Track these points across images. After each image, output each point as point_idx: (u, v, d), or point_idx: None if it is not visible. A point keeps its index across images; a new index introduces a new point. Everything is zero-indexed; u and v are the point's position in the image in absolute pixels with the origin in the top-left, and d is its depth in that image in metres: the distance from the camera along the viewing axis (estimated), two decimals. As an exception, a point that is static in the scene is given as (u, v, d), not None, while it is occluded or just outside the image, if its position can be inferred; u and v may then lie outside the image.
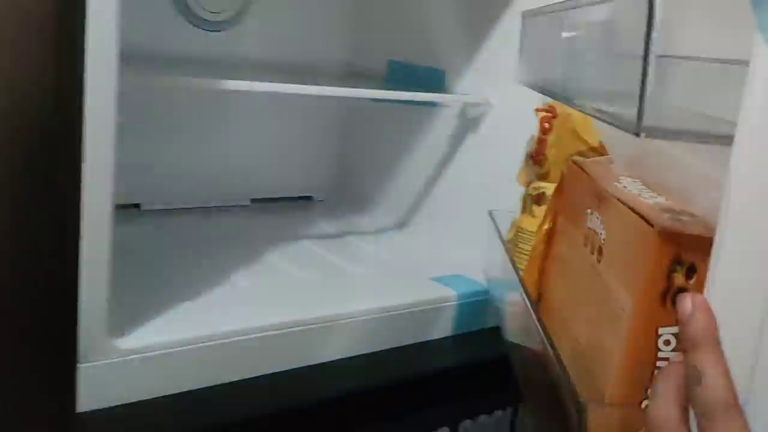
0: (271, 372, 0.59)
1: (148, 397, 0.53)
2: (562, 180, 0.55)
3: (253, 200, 0.97)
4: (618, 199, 0.43)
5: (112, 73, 0.47)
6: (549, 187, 0.60)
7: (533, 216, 0.60)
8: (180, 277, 0.67)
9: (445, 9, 0.88)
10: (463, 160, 0.87)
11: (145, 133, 0.85)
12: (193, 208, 0.92)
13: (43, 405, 0.51)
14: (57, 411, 0.50)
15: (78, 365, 0.49)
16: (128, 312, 0.55)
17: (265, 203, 0.99)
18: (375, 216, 0.97)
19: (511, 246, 0.64)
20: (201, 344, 0.55)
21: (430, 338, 0.70)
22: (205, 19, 0.88)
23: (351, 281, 0.73)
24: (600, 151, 0.58)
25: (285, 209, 0.99)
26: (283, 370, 0.60)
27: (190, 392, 0.55)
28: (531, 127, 0.72)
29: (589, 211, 0.47)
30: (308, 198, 1.04)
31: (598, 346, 0.44)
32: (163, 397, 0.53)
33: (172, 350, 0.53)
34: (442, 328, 0.71)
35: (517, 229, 0.65)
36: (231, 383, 0.57)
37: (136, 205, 0.89)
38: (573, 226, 0.51)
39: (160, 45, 0.85)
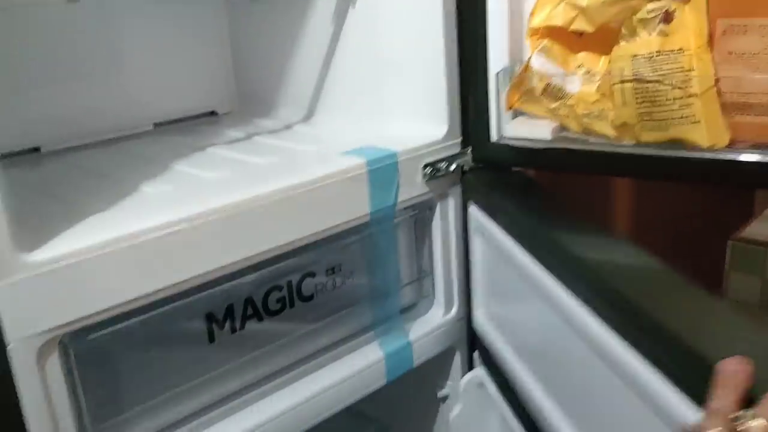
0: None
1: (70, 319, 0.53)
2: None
3: (157, 124, 0.96)
4: None
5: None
6: (671, 4, 0.58)
7: (666, 35, 0.58)
8: (87, 197, 0.66)
9: None
10: (350, 40, 0.87)
11: (37, 76, 0.83)
12: (95, 142, 0.90)
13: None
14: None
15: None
16: (36, 230, 0.55)
17: (169, 125, 0.97)
18: (280, 117, 0.98)
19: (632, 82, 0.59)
20: (116, 246, 0.55)
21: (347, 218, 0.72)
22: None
23: (261, 171, 0.74)
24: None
25: (190, 128, 0.98)
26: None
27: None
28: None
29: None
30: (212, 113, 1.03)
31: None
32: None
33: (88, 256, 0.54)
34: (359, 202, 0.73)
35: (648, 57, 0.58)
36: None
37: (36, 149, 0.87)
38: None
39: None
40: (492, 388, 0.80)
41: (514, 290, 0.70)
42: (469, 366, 0.88)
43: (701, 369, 0.41)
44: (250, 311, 0.68)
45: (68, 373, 0.55)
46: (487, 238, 0.75)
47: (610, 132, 0.63)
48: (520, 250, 0.65)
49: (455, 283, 0.86)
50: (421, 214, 0.82)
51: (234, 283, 0.65)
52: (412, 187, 0.78)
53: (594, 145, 0.65)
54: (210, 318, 0.65)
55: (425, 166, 0.78)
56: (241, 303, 0.67)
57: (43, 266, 0.51)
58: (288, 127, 0.93)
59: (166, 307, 0.61)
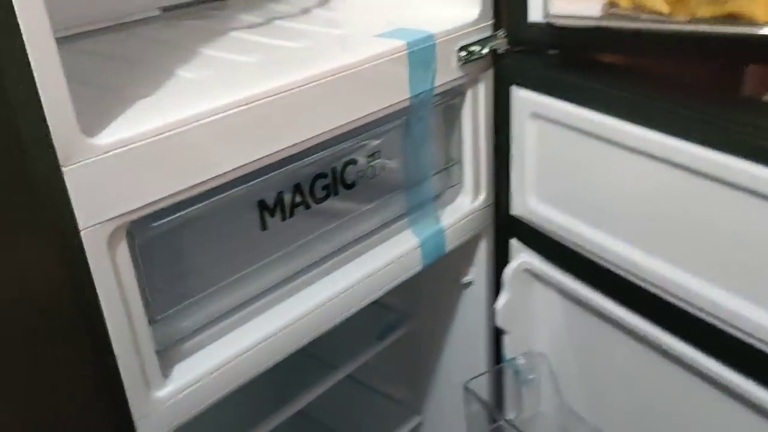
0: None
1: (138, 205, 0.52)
2: None
3: (164, 9, 0.91)
4: None
5: None
6: None
7: None
8: (125, 83, 0.63)
9: None
10: None
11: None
12: (102, 28, 0.85)
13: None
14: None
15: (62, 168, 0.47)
16: (89, 115, 0.52)
17: (176, 10, 0.92)
18: (291, 1, 0.93)
19: None
20: (178, 130, 0.53)
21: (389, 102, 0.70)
22: None
23: (298, 55, 0.71)
24: None
25: (200, 12, 0.93)
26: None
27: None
28: None
29: None
30: (221, -1, 0.97)
31: None
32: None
33: (151, 139, 0.52)
34: (400, 86, 0.71)
35: None
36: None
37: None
38: None
39: None
40: (547, 267, 0.82)
41: (602, 166, 0.70)
42: (499, 253, 0.90)
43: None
44: (298, 199, 0.67)
45: (134, 260, 0.54)
46: (550, 119, 0.74)
47: (664, 7, 0.62)
48: (621, 123, 0.66)
49: (483, 171, 0.86)
50: (450, 101, 0.81)
51: (283, 170, 0.64)
52: (448, 71, 0.76)
53: (645, 22, 0.64)
54: (262, 205, 0.64)
55: (460, 49, 0.76)
56: (290, 190, 0.66)
57: (109, 149, 0.50)
58: (305, 11, 0.89)
59: (222, 195, 0.60)
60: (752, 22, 0.59)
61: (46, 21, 0.45)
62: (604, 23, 0.66)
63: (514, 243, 0.87)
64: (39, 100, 0.45)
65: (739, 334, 0.61)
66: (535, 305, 0.87)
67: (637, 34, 0.65)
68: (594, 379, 0.85)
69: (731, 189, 0.59)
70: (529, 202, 0.81)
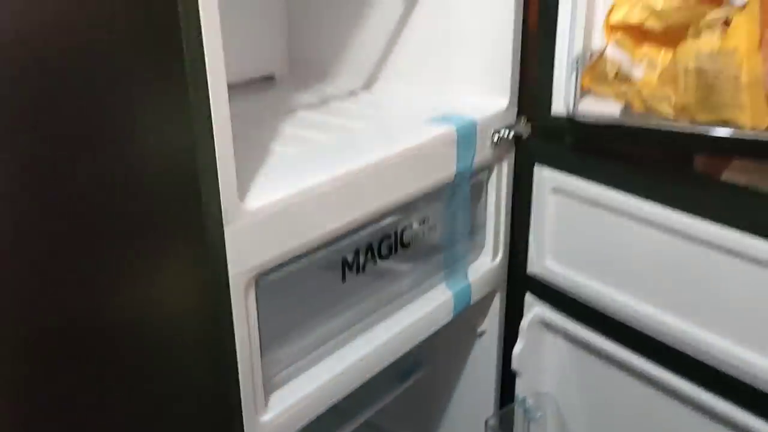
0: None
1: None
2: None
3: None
4: None
5: None
6: (730, 13, 0.74)
7: (724, 38, 0.73)
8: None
9: None
10: (419, 15, 0.98)
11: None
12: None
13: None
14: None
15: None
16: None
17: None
18: (336, 83, 1.07)
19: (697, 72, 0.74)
20: (304, 196, 0.66)
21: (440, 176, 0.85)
22: None
23: (367, 136, 0.84)
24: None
25: (253, 90, 1.05)
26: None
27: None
28: None
29: None
30: (270, 78, 1.10)
31: None
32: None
33: (285, 204, 0.64)
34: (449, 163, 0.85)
35: (710, 54, 0.73)
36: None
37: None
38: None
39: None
40: (557, 317, 0.96)
41: (615, 232, 0.85)
42: (512, 305, 1.03)
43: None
44: (369, 256, 0.80)
45: (257, 303, 0.65)
46: (570, 194, 0.89)
47: (669, 111, 0.79)
48: (628, 197, 0.83)
49: (502, 235, 1.01)
50: (480, 176, 0.96)
51: (361, 233, 0.77)
52: (484, 151, 0.91)
53: (654, 123, 0.80)
54: (344, 262, 0.76)
55: (494, 133, 0.91)
56: (364, 249, 0.79)
57: (256, 213, 0.61)
58: (353, 93, 1.03)
59: (318, 254, 0.72)
60: (738, 127, 0.76)
61: (226, 102, 0.57)
62: (622, 121, 0.82)
63: (528, 297, 1.01)
64: (216, 171, 0.57)
65: (733, 372, 0.76)
66: (544, 350, 1.01)
67: (648, 130, 0.81)
68: (596, 417, 0.98)
69: (720, 252, 0.75)
70: (546, 262, 0.96)
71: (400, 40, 1.01)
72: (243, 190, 0.63)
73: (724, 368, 0.78)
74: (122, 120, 0.52)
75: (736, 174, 0.88)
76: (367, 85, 1.05)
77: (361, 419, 1.04)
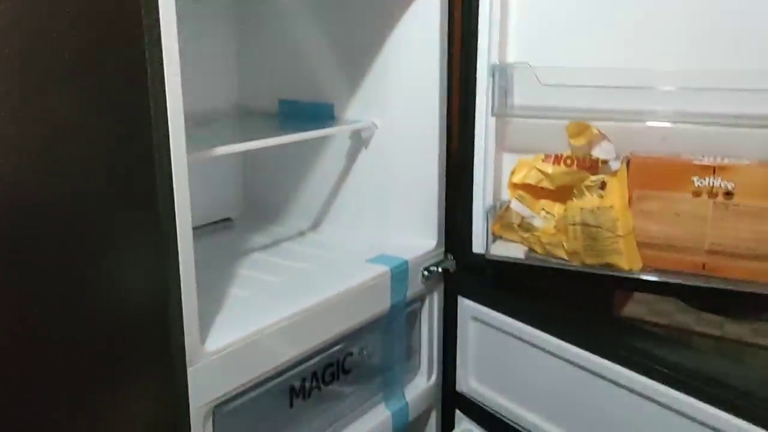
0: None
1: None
2: (633, 169, 0.89)
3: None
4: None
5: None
6: (605, 177, 0.91)
7: (601, 197, 0.90)
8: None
9: (326, 48, 1.13)
10: (359, 170, 1.14)
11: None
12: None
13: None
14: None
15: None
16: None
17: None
18: (288, 224, 1.22)
19: (580, 225, 0.91)
20: (258, 336, 0.78)
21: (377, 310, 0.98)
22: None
23: (312, 277, 0.98)
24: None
25: (213, 231, 1.19)
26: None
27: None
28: (411, 140, 1.03)
29: (696, 178, 0.85)
30: (228, 219, 1.24)
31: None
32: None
33: (241, 344, 0.76)
34: (384, 298, 0.99)
35: (591, 210, 0.90)
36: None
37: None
38: (667, 190, 0.87)
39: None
40: None
41: (521, 357, 0.98)
42: (445, 421, 1.15)
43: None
44: (314, 383, 0.91)
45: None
46: (486, 323, 1.03)
47: (564, 255, 0.95)
48: (530, 329, 0.96)
49: (435, 358, 1.13)
50: (413, 306, 1.09)
51: (308, 363, 0.89)
52: (415, 285, 1.05)
53: (553, 263, 0.96)
54: (291, 390, 0.88)
55: (424, 270, 1.06)
56: (310, 378, 0.90)
57: (214, 354, 0.73)
58: (301, 233, 1.17)
59: (268, 385, 0.83)
60: (618, 269, 0.92)
61: (193, 266, 0.70)
62: (526, 262, 0.98)
63: (458, 413, 1.13)
64: (183, 322, 0.69)
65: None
66: None
67: (545, 270, 0.96)
68: None
69: (605, 381, 0.89)
70: (470, 382, 1.08)
71: (342, 189, 1.17)
72: (204, 333, 0.75)
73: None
74: (99, 262, 0.64)
75: (635, 305, 1.04)
76: (314, 226, 1.20)
77: None
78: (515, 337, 0.99)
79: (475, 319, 1.06)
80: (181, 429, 0.71)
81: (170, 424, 0.71)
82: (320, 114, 1.14)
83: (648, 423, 0.85)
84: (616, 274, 0.92)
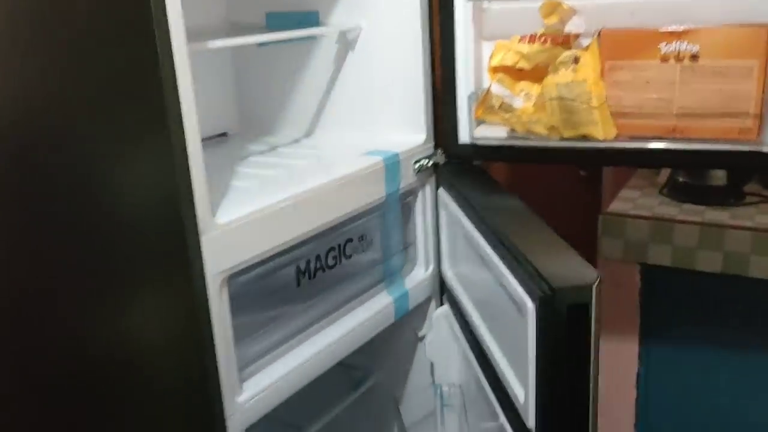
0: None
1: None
2: (603, 41, 0.94)
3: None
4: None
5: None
6: (578, 52, 0.95)
7: (574, 71, 0.95)
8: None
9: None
10: (347, 73, 1.19)
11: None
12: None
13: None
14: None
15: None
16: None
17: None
18: (283, 134, 1.27)
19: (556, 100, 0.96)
20: (259, 214, 0.84)
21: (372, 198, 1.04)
22: None
23: (310, 169, 1.03)
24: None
25: (209, 146, 1.24)
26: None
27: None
28: (395, 40, 1.08)
29: (663, 44, 0.90)
30: (224, 134, 1.30)
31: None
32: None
33: (247, 220, 0.82)
34: (378, 188, 1.05)
35: (566, 84, 0.95)
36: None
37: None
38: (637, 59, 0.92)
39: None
40: (453, 321, 1.15)
41: (463, 248, 1.05)
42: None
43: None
44: (318, 265, 0.98)
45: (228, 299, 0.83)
46: (449, 213, 1.10)
47: (543, 131, 1.00)
48: (464, 217, 1.02)
49: (431, 249, 1.20)
50: (407, 199, 1.16)
51: (310, 245, 0.95)
52: (407, 178, 1.11)
53: (533, 141, 1.02)
54: (298, 269, 0.94)
55: (415, 162, 1.12)
56: (313, 259, 0.97)
57: (226, 226, 0.79)
58: (296, 141, 1.23)
59: (274, 262, 0.89)
60: (594, 140, 0.98)
61: (199, 141, 0.75)
62: (507, 143, 1.03)
63: (444, 299, 1.20)
64: (192, 193, 0.75)
65: None
66: (452, 342, 1.19)
67: (527, 149, 1.02)
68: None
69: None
70: (445, 272, 1.16)
71: (332, 94, 1.22)
72: (213, 208, 0.81)
73: None
74: (115, 158, 0.70)
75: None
76: (308, 133, 1.25)
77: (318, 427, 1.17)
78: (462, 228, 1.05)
79: (444, 206, 1.13)
80: (200, 296, 0.78)
81: (190, 292, 0.77)
82: (307, 22, 1.18)
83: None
84: (594, 145, 0.98)
